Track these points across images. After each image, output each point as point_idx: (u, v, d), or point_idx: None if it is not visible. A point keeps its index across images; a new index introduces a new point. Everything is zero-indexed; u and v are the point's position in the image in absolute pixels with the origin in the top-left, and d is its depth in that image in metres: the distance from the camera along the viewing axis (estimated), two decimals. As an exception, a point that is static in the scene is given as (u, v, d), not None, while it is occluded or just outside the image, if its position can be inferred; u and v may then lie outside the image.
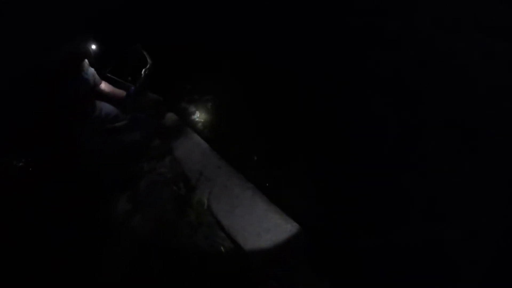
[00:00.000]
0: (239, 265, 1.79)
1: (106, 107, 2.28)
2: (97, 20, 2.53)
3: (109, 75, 2.44)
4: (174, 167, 2.35)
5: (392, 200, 2.22)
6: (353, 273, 1.92)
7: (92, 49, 1.96)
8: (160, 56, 2.52)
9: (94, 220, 2.01)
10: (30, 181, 2.07)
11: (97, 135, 2.28)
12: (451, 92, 2.84)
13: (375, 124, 2.70)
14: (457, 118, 2.65)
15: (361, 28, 3.48)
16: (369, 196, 2.24)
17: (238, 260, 1.81)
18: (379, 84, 3.00)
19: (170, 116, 2.82)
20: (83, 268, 1.76)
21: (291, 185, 2.36)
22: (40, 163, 2.11)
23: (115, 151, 2.39)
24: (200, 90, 3.19)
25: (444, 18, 3.44)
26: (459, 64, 3.01)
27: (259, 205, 2.00)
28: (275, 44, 3.37)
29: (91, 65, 2.06)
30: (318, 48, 3.38)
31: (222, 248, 1.87)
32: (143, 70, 2.39)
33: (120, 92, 2.30)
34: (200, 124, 2.94)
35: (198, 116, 3.01)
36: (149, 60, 2.39)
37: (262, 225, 1.91)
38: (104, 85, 2.20)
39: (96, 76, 2.11)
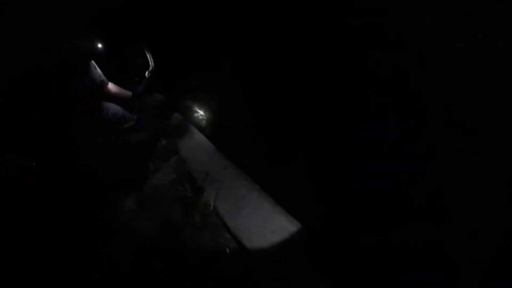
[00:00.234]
0: (243, 266, 1.79)
1: (113, 108, 2.28)
2: (99, 20, 2.53)
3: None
4: (180, 167, 2.34)
5: (392, 200, 2.22)
6: (353, 273, 1.92)
7: (97, 49, 1.95)
8: (160, 56, 2.52)
9: (96, 220, 2.00)
10: (30, 181, 2.06)
11: (103, 135, 2.28)
12: (451, 92, 2.84)
13: (375, 124, 2.70)
14: (457, 118, 2.66)
15: (361, 28, 3.48)
16: (369, 196, 2.24)
17: (242, 261, 1.82)
18: (379, 84, 3.00)
19: (175, 116, 2.81)
20: (84, 268, 1.76)
21: (291, 185, 2.36)
22: (40, 163, 2.11)
23: (120, 151, 2.38)
24: (201, 91, 3.19)
25: (444, 18, 3.44)
26: (459, 64, 3.01)
27: (264, 207, 2.01)
28: (275, 44, 3.37)
29: (98, 64, 2.06)
30: (318, 48, 3.37)
31: (226, 249, 1.87)
32: (147, 71, 2.39)
33: (127, 93, 2.30)
34: (202, 124, 2.94)
35: (201, 116, 3.01)
36: (151, 63, 2.39)
37: (268, 227, 1.91)
38: (111, 86, 2.20)
39: (103, 76, 2.11)
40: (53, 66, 1.92)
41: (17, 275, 1.71)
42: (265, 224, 1.92)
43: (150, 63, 2.39)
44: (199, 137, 2.59)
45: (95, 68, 2.04)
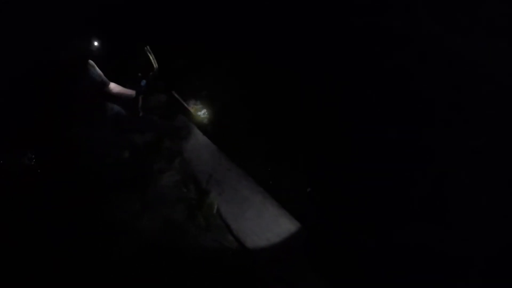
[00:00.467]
0: (245, 268, 1.79)
1: (116, 108, 2.28)
2: (98, 20, 2.53)
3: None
4: (184, 168, 2.34)
5: (392, 200, 2.22)
6: (353, 273, 1.92)
7: (96, 48, 1.95)
8: (160, 56, 2.52)
9: (97, 220, 2.00)
10: (30, 181, 2.06)
11: (106, 136, 2.27)
12: (452, 92, 2.84)
13: (375, 124, 2.70)
14: (458, 118, 2.65)
15: (360, 27, 3.47)
16: (369, 196, 2.24)
17: (245, 263, 1.82)
18: (380, 83, 2.99)
19: (179, 118, 2.82)
20: (84, 269, 1.76)
21: (291, 185, 2.36)
22: (40, 163, 2.11)
23: (124, 152, 2.38)
24: (202, 91, 3.19)
25: (445, 18, 3.44)
26: (460, 64, 3.00)
27: (269, 209, 2.01)
28: (275, 44, 3.37)
29: (97, 64, 2.05)
30: (318, 48, 3.37)
31: (229, 251, 1.87)
32: (151, 72, 2.38)
33: (130, 92, 2.29)
34: (205, 125, 2.94)
35: (203, 116, 3.01)
36: (155, 64, 2.38)
37: (272, 230, 1.92)
38: (113, 86, 2.19)
39: (103, 76, 2.10)
40: (53, 66, 1.91)
41: (18, 275, 1.70)
42: (269, 227, 1.93)
43: (154, 65, 2.38)
44: (203, 138, 2.58)
45: (94, 68, 2.04)
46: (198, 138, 2.58)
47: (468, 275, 1.88)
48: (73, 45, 1.88)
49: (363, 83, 3.01)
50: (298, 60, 3.24)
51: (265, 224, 1.94)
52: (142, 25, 3.03)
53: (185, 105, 2.58)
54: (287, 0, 3.85)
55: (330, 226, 2.08)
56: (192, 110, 2.73)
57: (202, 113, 2.91)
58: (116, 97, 2.24)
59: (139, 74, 2.40)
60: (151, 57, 2.36)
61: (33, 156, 2.07)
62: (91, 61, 2.01)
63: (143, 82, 2.29)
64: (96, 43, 1.95)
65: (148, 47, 2.36)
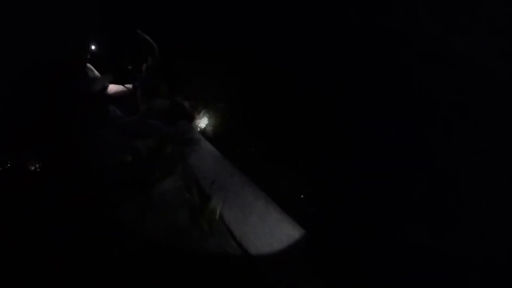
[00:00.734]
0: (248, 274, 1.79)
1: (117, 110, 2.29)
2: (98, 20, 2.53)
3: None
4: (187, 174, 2.34)
5: (393, 200, 2.22)
6: (353, 273, 1.92)
7: (93, 50, 1.96)
8: (161, 56, 2.52)
9: (98, 221, 1.99)
10: (30, 181, 2.06)
11: (109, 138, 2.28)
12: (452, 91, 2.84)
13: (375, 124, 2.70)
14: (458, 118, 2.65)
15: (360, 27, 3.47)
16: (369, 196, 2.24)
17: (248, 269, 1.82)
18: (380, 83, 2.99)
19: (182, 122, 2.82)
20: (85, 268, 1.76)
21: (291, 185, 2.36)
22: (40, 163, 2.11)
23: (127, 156, 2.38)
24: (202, 92, 3.19)
25: (445, 18, 3.44)
26: (460, 64, 3.00)
27: (272, 215, 2.01)
28: (275, 44, 3.37)
29: (94, 66, 2.06)
30: (318, 48, 3.37)
31: (231, 256, 1.87)
32: (149, 57, 2.36)
33: (127, 89, 2.30)
34: (207, 128, 2.94)
35: (205, 119, 3.01)
36: (155, 46, 2.35)
37: (275, 236, 1.92)
38: (112, 87, 2.21)
39: (101, 78, 2.11)
40: (53, 66, 1.92)
41: (18, 275, 1.70)
42: (272, 233, 1.93)
43: (154, 46, 2.36)
44: (206, 144, 2.59)
45: (92, 70, 2.06)
46: (201, 144, 2.58)
47: (468, 275, 1.88)
48: (73, 45, 1.88)
49: (363, 83, 3.01)
50: (298, 60, 3.24)
51: (268, 229, 1.95)
52: (142, 25, 3.02)
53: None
54: (287, 0, 3.85)
55: (330, 226, 2.08)
56: (192, 111, 2.73)
57: (202, 115, 2.91)
58: (116, 99, 2.25)
59: (129, 67, 2.39)
60: (148, 39, 2.33)
61: (33, 156, 2.07)
62: (89, 65, 2.03)
63: (137, 82, 2.29)
64: (94, 45, 1.96)
65: (139, 30, 2.33)
